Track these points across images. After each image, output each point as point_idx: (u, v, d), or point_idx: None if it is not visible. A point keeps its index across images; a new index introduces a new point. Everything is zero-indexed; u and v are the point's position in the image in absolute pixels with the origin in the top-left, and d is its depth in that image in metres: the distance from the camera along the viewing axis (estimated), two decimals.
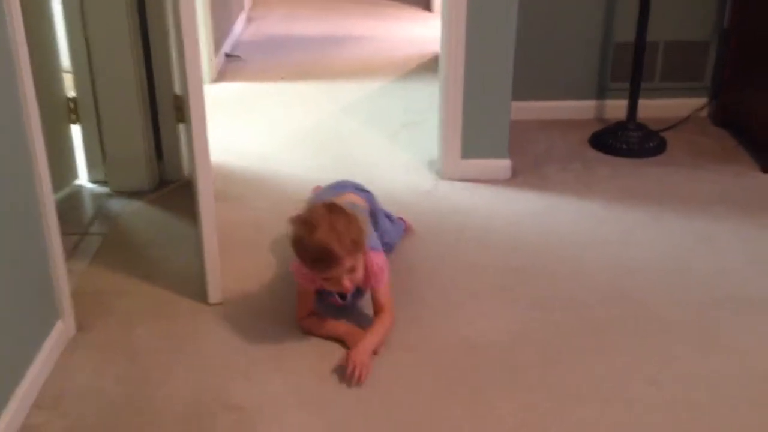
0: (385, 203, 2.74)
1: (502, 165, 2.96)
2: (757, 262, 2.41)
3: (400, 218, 2.56)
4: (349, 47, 4.75)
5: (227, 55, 4.49)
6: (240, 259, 2.43)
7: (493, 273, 2.37)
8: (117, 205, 2.82)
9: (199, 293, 2.22)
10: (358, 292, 2.08)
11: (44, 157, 1.93)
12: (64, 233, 2.57)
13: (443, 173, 2.98)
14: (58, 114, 2.83)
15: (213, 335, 2.09)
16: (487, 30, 2.76)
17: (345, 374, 1.88)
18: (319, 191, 2.54)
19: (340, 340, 2.02)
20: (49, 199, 1.96)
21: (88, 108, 2.86)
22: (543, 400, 1.85)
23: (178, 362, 1.98)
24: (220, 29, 4.39)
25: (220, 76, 4.21)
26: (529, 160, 3.12)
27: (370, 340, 1.96)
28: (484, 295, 2.26)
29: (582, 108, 3.51)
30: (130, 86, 2.79)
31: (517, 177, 2.98)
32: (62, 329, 2.02)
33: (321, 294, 2.10)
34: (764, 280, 2.31)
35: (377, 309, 2.05)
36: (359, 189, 2.38)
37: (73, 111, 2.87)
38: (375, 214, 2.31)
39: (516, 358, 2.00)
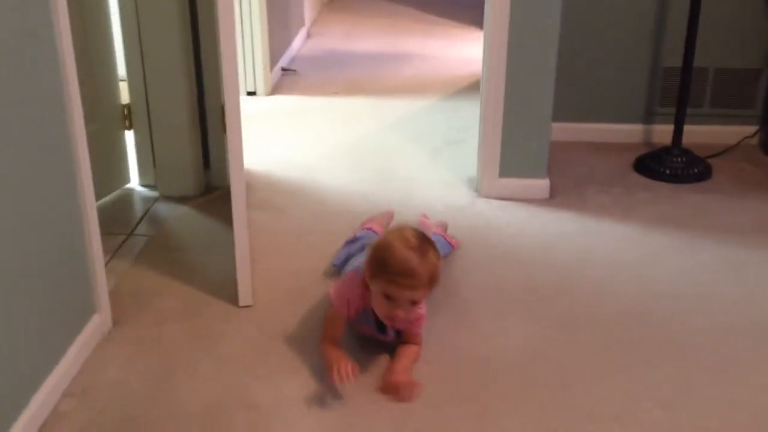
0: (418, 217, 2.80)
1: (540, 185, 2.98)
2: None
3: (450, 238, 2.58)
4: (403, 65, 4.83)
5: (283, 69, 4.61)
6: (274, 265, 2.51)
7: (518, 290, 2.39)
8: (164, 208, 2.94)
9: (231, 296, 2.30)
10: (398, 333, 2.06)
11: (87, 161, 2.05)
12: (112, 233, 2.73)
13: (481, 191, 3.01)
14: (113, 120, 2.97)
15: (239, 336, 2.17)
16: (529, 50, 2.79)
17: (397, 398, 1.89)
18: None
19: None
20: (90, 201, 2.07)
21: (141, 115, 2.99)
22: (552, 417, 1.87)
23: (203, 361, 2.07)
24: (278, 44, 4.52)
25: (275, 89, 4.34)
26: (569, 181, 3.13)
27: (403, 369, 1.96)
28: (505, 312, 2.28)
29: (629, 132, 3.51)
30: (180, 95, 2.92)
31: (556, 197, 2.99)
32: (98, 323, 2.12)
33: (360, 323, 2.06)
34: None
35: (406, 341, 2.04)
36: None
37: (127, 117, 3.01)
38: None
39: (530, 375, 2.02)
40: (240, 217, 2.21)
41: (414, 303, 1.90)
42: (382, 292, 1.89)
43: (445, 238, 2.54)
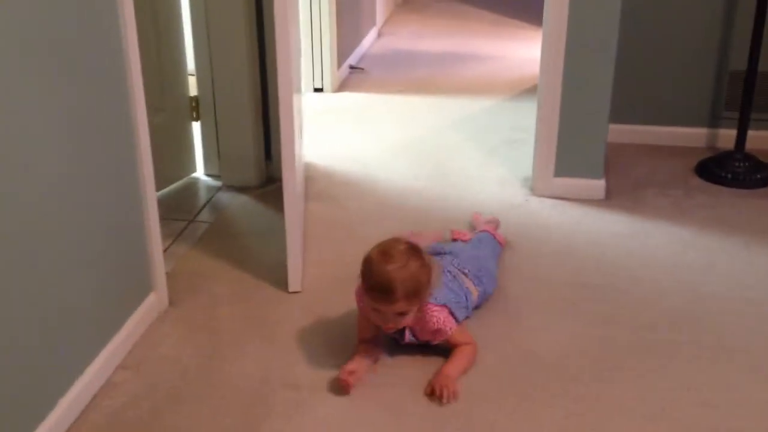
0: (471, 213, 2.83)
1: (596, 185, 2.98)
2: None
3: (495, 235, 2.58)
4: (469, 65, 4.85)
5: (351, 67, 4.69)
6: (326, 254, 2.58)
7: (565, 288, 2.40)
8: (226, 197, 3.05)
9: (282, 282, 2.38)
10: (419, 344, 2.06)
11: (148, 150, 2.15)
12: (175, 219, 2.85)
13: (535, 190, 3.03)
14: (181, 111, 3.10)
15: (287, 321, 2.24)
16: (587, 50, 2.79)
17: (436, 396, 1.91)
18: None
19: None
20: (150, 187, 2.18)
21: (208, 107, 3.11)
22: (587, 411, 1.88)
23: (251, 342, 2.15)
24: (347, 42, 4.60)
25: (342, 86, 4.42)
26: (627, 182, 3.11)
27: (450, 371, 1.96)
28: (551, 309, 2.30)
29: (692, 135, 3.46)
30: (245, 89, 3.02)
31: (612, 198, 2.98)
32: (154, 301, 2.23)
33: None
34: None
35: (455, 346, 2.04)
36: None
37: (195, 109, 3.13)
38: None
39: (569, 370, 2.03)
40: (292, 205, 2.29)
41: (401, 314, 1.91)
42: (370, 305, 1.94)
43: (494, 236, 2.56)
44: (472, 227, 2.69)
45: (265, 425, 1.83)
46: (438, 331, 2.00)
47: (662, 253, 2.60)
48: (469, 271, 2.21)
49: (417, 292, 1.90)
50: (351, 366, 1.95)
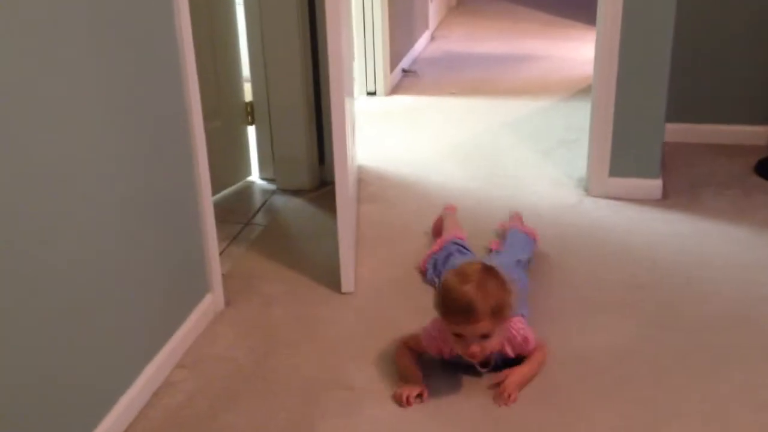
0: (527, 215, 2.82)
1: (652, 185, 2.93)
2: None
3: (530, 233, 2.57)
4: (523, 66, 4.83)
5: (404, 71, 4.71)
6: (378, 255, 2.60)
7: (620, 289, 2.38)
8: (280, 200, 3.09)
9: (335, 283, 2.41)
10: (504, 362, 2.00)
11: (204, 155, 2.20)
12: (231, 222, 2.91)
13: (590, 190, 3.00)
14: (236, 117, 3.16)
15: (339, 321, 2.27)
16: (642, 49, 2.76)
17: (498, 397, 1.91)
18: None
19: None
20: (206, 191, 2.23)
21: (262, 112, 3.16)
22: (640, 413, 1.86)
23: (305, 342, 2.18)
24: (399, 46, 4.63)
25: (395, 89, 4.45)
26: (684, 182, 3.07)
27: (518, 378, 1.94)
28: (605, 309, 2.28)
29: (752, 133, 3.39)
30: (299, 94, 3.06)
31: (669, 198, 2.94)
32: (210, 302, 2.28)
33: (458, 363, 2.00)
34: None
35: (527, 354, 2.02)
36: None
37: (249, 114, 3.19)
38: None
39: (622, 372, 2.01)
40: (344, 207, 2.31)
41: (485, 336, 1.85)
42: (452, 332, 1.89)
43: (526, 234, 2.54)
44: (500, 235, 2.63)
45: (321, 424, 1.85)
46: (525, 341, 1.97)
47: (720, 254, 2.55)
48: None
49: (499, 310, 1.85)
50: (415, 389, 1.92)
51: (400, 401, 1.89)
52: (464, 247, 2.44)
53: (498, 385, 1.94)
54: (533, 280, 2.34)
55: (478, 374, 1.99)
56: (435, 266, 2.40)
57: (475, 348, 1.86)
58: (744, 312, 2.23)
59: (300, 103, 3.08)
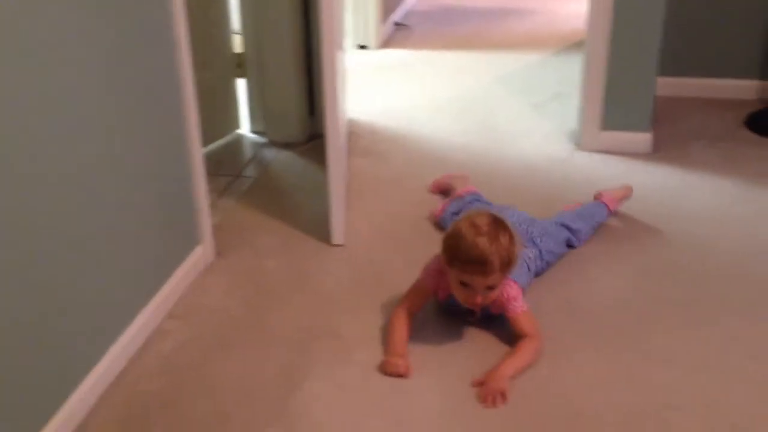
0: (517, 168, 2.83)
1: (643, 139, 2.94)
2: None
3: (602, 201, 2.47)
4: (515, 20, 4.79)
5: (396, 24, 4.67)
6: (370, 208, 2.61)
7: (613, 241, 2.39)
8: (270, 153, 3.08)
9: (325, 235, 2.42)
10: (488, 317, 2.00)
11: (194, 106, 2.18)
12: (221, 174, 2.90)
13: (581, 144, 3.00)
14: (227, 69, 3.13)
15: (330, 272, 2.28)
16: (635, 3, 2.74)
17: (481, 398, 1.79)
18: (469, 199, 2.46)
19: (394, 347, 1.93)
20: (196, 142, 2.22)
21: (252, 64, 3.13)
22: (631, 362, 1.88)
23: (296, 292, 2.19)
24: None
25: (386, 43, 4.41)
26: (675, 136, 3.07)
27: (508, 368, 1.85)
28: (595, 260, 2.29)
29: (743, 87, 3.39)
30: (289, 46, 3.03)
31: (659, 152, 2.94)
32: (201, 253, 2.28)
33: (449, 306, 2.02)
34: None
35: (517, 335, 1.94)
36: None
37: (240, 66, 3.16)
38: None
39: (614, 322, 2.03)
40: (335, 159, 2.31)
41: (490, 288, 1.87)
42: (458, 280, 1.88)
43: (603, 203, 2.46)
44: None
45: (312, 371, 1.87)
46: (507, 303, 1.94)
47: (711, 207, 2.57)
48: (522, 229, 2.16)
49: (510, 263, 1.86)
50: (403, 358, 1.88)
51: (384, 373, 1.86)
52: (484, 200, 2.44)
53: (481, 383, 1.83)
54: None
55: (463, 321, 2.01)
56: (458, 213, 2.31)
57: (480, 298, 1.87)
58: (736, 265, 2.25)
59: (290, 56, 3.05)
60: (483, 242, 1.82)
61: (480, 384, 1.83)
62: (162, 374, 1.88)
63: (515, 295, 1.94)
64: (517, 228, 2.03)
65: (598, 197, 2.49)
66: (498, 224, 1.87)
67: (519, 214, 2.27)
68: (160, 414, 1.76)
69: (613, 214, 2.49)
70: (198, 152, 2.24)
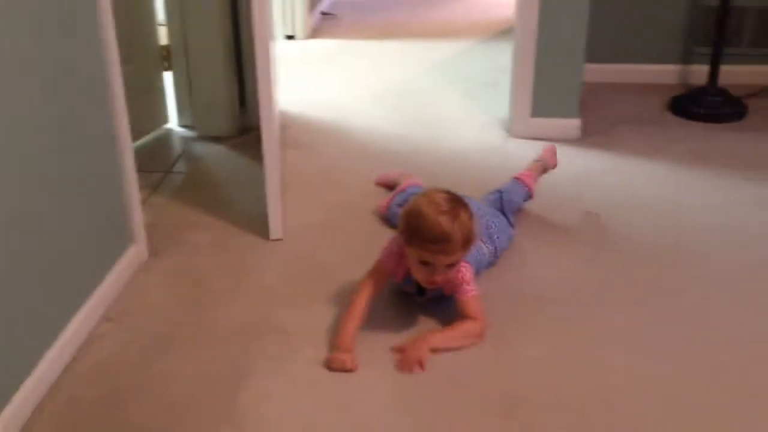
0: (452, 158, 2.84)
1: (572, 124, 2.99)
2: None
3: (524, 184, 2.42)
4: (442, 8, 4.81)
5: (323, 14, 4.63)
6: (305, 200, 2.58)
7: (547, 227, 2.42)
8: (200, 148, 3.02)
9: (262, 230, 2.38)
10: (440, 297, 2.00)
11: (123, 100, 2.12)
12: (151, 171, 2.82)
13: (513, 131, 3.03)
14: (152, 61, 3.05)
15: (270, 267, 2.25)
16: None
17: (398, 365, 1.83)
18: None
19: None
20: (126, 138, 2.15)
21: (179, 57, 3.06)
22: (573, 345, 1.91)
23: (236, 289, 2.15)
24: None
25: (314, 33, 4.37)
26: (602, 121, 3.13)
27: (434, 339, 1.88)
28: (532, 247, 2.32)
29: (665, 72, 3.48)
30: (217, 38, 2.97)
31: (588, 137, 3.00)
32: (134, 253, 2.22)
33: (403, 285, 2.02)
34: None
35: (462, 318, 1.94)
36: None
37: (166, 59, 3.08)
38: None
39: (553, 304, 2.06)
40: (270, 153, 2.27)
41: (450, 266, 1.86)
42: (418, 259, 1.87)
43: (522, 182, 2.42)
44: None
45: (256, 368, 1.84)
46: (460, 285, 1.93)
47: (639, 189, 2.63)
48: (483, 222, 2.14)
49: (470, 240, 1.85)
50: (349, 351, 1.85)
51: (330, 369, 1.83)
52: None
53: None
54: None
55: (413, 301, 2.02)
56: (402, 205, 2.26)
57: (439, 277, 1.87)
58: (667, 244, 2.31)
59: (219, 47, 2.99)
60: (445, 220, 1.81)
61: (400, 351, 1.84)
62: (101, 380, 1.82)
63: (469, 279, 1.94)
64: (479, 220, 2.02)
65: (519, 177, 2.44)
66: (456, 201, 1.87)
67: (478, 205, 2.22)
68: (101, 421, 1.71)
69: (532, 191, 2.43)
70: (128, 148, 2.18)
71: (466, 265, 1.95)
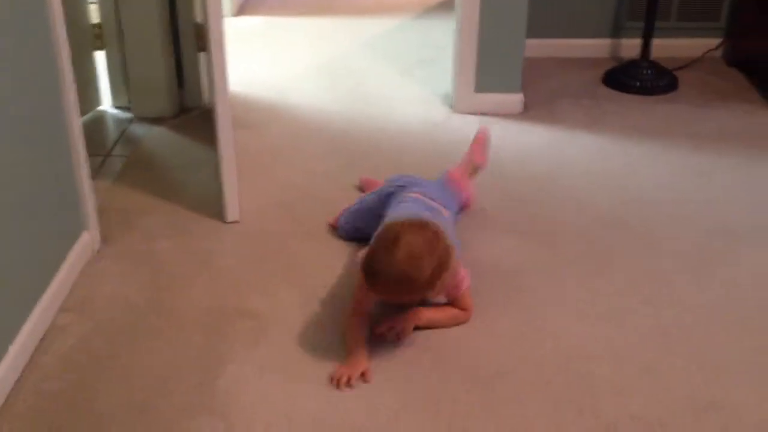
0: (397, 134, 2.84)
1: (515, 99, 3.02)
2: (752, 196, 2.47)
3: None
4: None
5: None
6: (257, 182, 2.53)
7: (501, 200, 2.46)
8: (139, 129, 2.92)
9: (217, 212, 2.33)
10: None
11: (71, 78, 2.02)
12: (89, 155, 2.70)
13: (456, 106, 3.05)
14: (83, 41, 2.92)
15: (230, 250, 2.20)
16: None
17: (379, 329, 1.81)
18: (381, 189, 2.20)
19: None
20: (75, 118, 2.06)
21: (112, 36, 2.94)
22: (541, 317, 1.95)
23: (197, 274, 2.10)
24: None
25: (241, 9, 4.27)
26: (541, 95, 3.18)
27: (426, 313, 1.85)
28: (490, 222, 2.35)
29: (597, 46, 3.55)
30: (152, 15, 2.87)
31: (529, 111, 3.04)
32: (88, 240, 2.14)
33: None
34: (757, 214, 2.38)
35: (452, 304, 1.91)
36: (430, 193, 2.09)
37: (98, 37, 2.96)
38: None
39: (517, 281, 2.08)
40: (225, 133, 2.22)
41: (423, 301, 1.81)
42: (387, 302, 1.83)
43: (456, 191, 2.21)
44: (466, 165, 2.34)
45: (231, 354, 1.81)
46: (455, 286, 1.86)
47: (584, 162, 2.69)
48: (440, 200, 2.07)
49: (438, 274, 1.72)
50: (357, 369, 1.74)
51: (338, 384, 1.70)
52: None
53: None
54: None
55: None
56: (351, 220, 2.21)
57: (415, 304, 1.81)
58: (617, 215, 2.38)
59: (154, 25, 2.88)
60: (402, 266, 1.68)
61: (388, 321, 1.81)
62: (67, 372, 1.76)
63: (463, 278, 1.87)
64: (435, 199, 1.98)
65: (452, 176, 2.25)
66: (417, 231, 1.73)
67: (435, 186, 2.13)
68: (70, 414, 1.65)
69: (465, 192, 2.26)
70: (77, 131, 2.09)
71: (458, 268, 1.83)
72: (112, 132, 2.93)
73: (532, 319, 1.94)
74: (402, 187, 2.12)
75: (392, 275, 1.70)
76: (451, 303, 1.91)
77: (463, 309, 1.91)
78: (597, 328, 1.91)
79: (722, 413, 1.67)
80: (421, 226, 1.76)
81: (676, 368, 1.78)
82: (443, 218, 1.98)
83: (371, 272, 1.73)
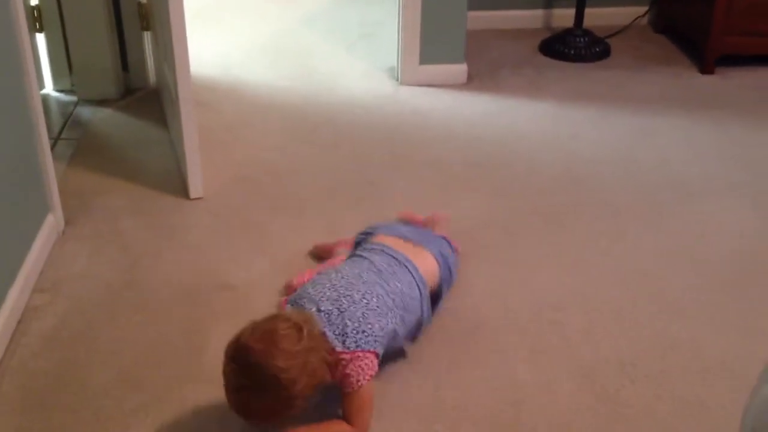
0: (348, 107, 2.88)
1: (459, 70, 3.10)
2: (694, 152, 2.62)
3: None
4: None
5: None
6: (215, 158, 2.54)
7: (456, 167, 2.53)
8: (86, 112, 2.88)
9: (179, 190, 2.34)
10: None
11: (32, 58, 2.00)
12: None
13: (402, 79, 3.10)
14: None
15: (197, 226, 2.21)
16: None
17: None
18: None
19: None
20: (37, 98, 2.04)
21: (52, 17, 2.88)
22: (507, 271, 2.04)
23: (167, 250, 2.11)
24: None
25: None
26: (483, 66, 3.26)
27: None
28: (448, 186, 2.42)
29: (532, 17, 3.66)
30: None
31: (473, 81, 3.12)
32: (53, 222, 2.12)
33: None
34: (701, 167, 2.53)
35: (343, 415, 1.55)
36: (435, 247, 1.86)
37: (37, 20, 2.89)
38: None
39: (482, 239, 2.17)
40: (187, 111, 2.22)
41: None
42: None
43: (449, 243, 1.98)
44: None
45: (214, 325, 1.83)
46: (345, 376, 1.53)
47: (531, 127, 2.79)
48: (413, 239, 1.84)
49: (292, 397, 1.44)
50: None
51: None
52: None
53: None
54: (371, 166, 2.43)
55: None
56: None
57: None
58: (568, 176, 2.48)
59: (96, 5, 2.84)
60: (232, 399, 1.47)
61: None
62: (50, 351, 1.76)
63: (357, 376, 1.53)
64: (387, 303, 1.63)
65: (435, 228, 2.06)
66: (262, 353, 1.43)
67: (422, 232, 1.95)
68: (61, 390, 1.65)
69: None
70: (39, 110, 2.06)
71: (364, 353, 1.53)
72: (57, 116, 2.88)
73: (501, 273, 2.03)
74: (368, 234, 1.90)
75: (234, 407, 1.49)
76: (342, 402, 1.56)
77: (349, 418, 1.53)
78: (563, 279, 2.01)
79: (685, 350, 1.78)
80: (281, 342, 1.46)
81: (641, 312, 1.90)
82: (404, 275, 1.71)
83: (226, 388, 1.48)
